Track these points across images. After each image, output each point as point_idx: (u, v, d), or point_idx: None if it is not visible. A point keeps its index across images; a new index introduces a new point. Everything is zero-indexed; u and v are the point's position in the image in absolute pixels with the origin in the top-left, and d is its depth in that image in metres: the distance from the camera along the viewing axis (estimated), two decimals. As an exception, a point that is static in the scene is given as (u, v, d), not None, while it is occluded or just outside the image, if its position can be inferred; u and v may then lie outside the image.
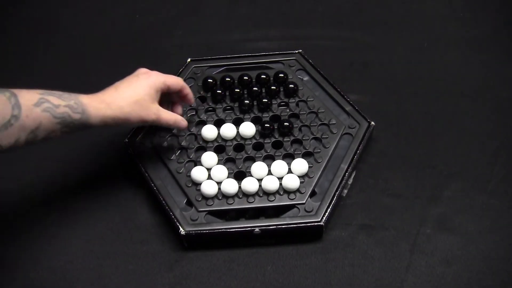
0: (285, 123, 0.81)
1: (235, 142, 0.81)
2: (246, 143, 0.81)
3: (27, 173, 0.83)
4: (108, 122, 0.68)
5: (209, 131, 0.81)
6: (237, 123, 0.82)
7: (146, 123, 0.72)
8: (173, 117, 0.75)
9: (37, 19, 1.07)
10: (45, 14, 1.07)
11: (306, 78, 0.89)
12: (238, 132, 0.81)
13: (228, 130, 0.81)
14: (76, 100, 0.65)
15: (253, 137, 0.81)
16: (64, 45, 1.02)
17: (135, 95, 0.70)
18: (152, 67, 0.95)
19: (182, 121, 0.76)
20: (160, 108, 0.73)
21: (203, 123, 0.83)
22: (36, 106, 0.62)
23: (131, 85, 0.71)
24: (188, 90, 0.78)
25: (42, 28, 1.05)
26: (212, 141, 0.81)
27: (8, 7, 1.08)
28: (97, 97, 0.68)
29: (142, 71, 0.75)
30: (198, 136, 0.82)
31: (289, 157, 0.79)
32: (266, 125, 0.81)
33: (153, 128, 0.82)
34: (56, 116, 0.63)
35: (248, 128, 0.81)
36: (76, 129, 0.66)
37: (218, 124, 0.82)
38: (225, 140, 0.81)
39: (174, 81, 0.75)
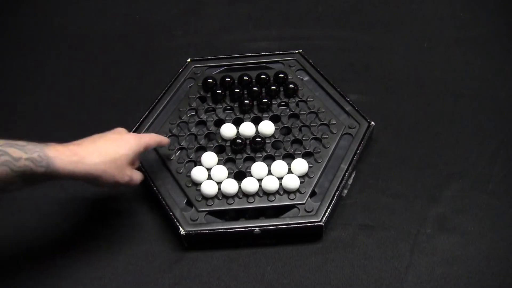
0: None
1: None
2: (246, 143, 0.81)
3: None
4: (78, 177, 0.63)
5: (227, 130, 0.81)
6: (237, 123, 0.82)
7: (115, 184, 0.67)
8: (140, 176, 0.72)
9: (37, 19, 1.06)
10: (45, 14, 1.07)
11: (306, 78, 0.88)
12: (238, 132, 0.82)
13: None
14: (41, 152, 0.60)
15: (253, 137, 0.81)
16: (64, 45, 1.02)
17: (113, 153, 0.66)
18: (152, 67, 0.96)
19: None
20: (133, 170, 0.70)
21: (204, 123, 0.83)
22: None
23: (112, 142, 0.67)
24: (163, 143, 0.76)
25: (42, 28, 1.04)
26: (213, 141, 0.81)
27: (8, 7, 1.08)
28: (70, 149, 0.63)
29: (122, 130, 0.72)
30: (198, 136, 0.82)
31: (289, 157, 0.79)
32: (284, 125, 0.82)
33: (153, 128, 0.83)
34: (15, 170, 0.58)
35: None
36: (42, 181, 0.61)
37: (218, 124, 0.82)
38: (224, 140, 0.81)
39: (152, 141, 0.73)
